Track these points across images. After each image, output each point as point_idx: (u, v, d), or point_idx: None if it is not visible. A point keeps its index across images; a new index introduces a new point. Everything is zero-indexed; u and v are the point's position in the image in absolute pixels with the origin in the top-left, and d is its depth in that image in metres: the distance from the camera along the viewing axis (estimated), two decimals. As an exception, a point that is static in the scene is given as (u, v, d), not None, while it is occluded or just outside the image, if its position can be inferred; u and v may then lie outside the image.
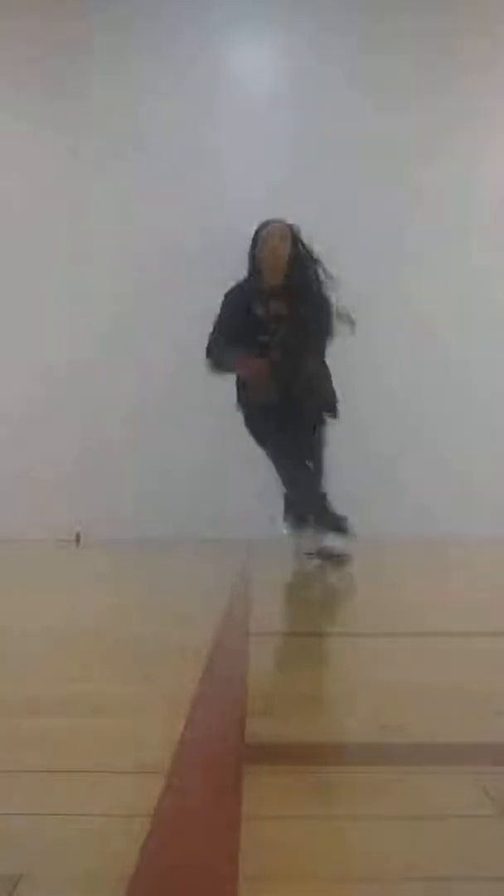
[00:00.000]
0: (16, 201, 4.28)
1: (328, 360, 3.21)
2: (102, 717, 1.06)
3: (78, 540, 4.01)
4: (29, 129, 4.34)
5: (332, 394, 3.22)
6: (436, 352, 4.23)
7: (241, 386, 3.20)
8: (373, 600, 2.21)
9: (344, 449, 3.28)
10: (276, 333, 3.14)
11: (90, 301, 4.22)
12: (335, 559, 2.83)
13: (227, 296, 3.26)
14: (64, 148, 4.30)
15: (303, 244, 3.24)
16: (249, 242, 3.21)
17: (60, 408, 4.17)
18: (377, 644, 1.61)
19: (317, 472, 3.14)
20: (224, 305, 3.25)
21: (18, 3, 4.29)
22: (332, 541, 2.90)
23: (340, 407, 3.18)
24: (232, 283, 3.25)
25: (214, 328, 3.23)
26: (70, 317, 4.21)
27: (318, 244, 3.15)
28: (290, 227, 3.24)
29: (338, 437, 3.21)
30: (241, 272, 3.18)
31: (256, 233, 3.25)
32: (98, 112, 4.30)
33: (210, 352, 3.21)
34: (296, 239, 3.23)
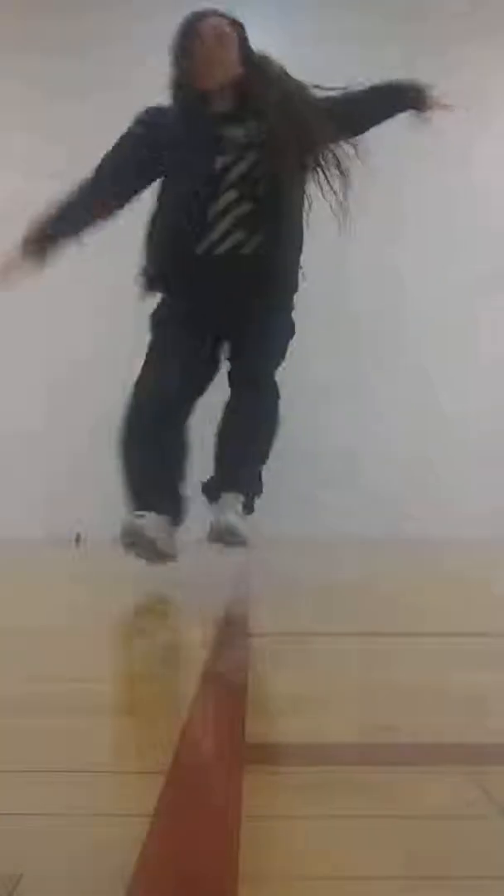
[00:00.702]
0: (15, 203, 4.27)
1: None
2: (102, 717, 1.06)
3: (78, 540, 4.01)
4: (27, 128, 4.34)
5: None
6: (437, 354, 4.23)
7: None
8: (372, 600, 2.21)
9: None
10: (237, 164, 2.22)
11: (90, 300, 4.22)
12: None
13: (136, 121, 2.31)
14: (62, 146, 4.29)
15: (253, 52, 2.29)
16: None
17: (61, 407, 4.17)
18: (377, 644, 1.61)
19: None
20: (127, 133, 2.32)
21: (16, 4, 4.29)
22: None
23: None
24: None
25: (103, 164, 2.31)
26: (70, 316, 4.21)
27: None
28: (235, 20, 2.29)
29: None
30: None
31: (183, 30, 2.27)
32: (97, 109, 4.29)
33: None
34: (245, 40, 2.30)
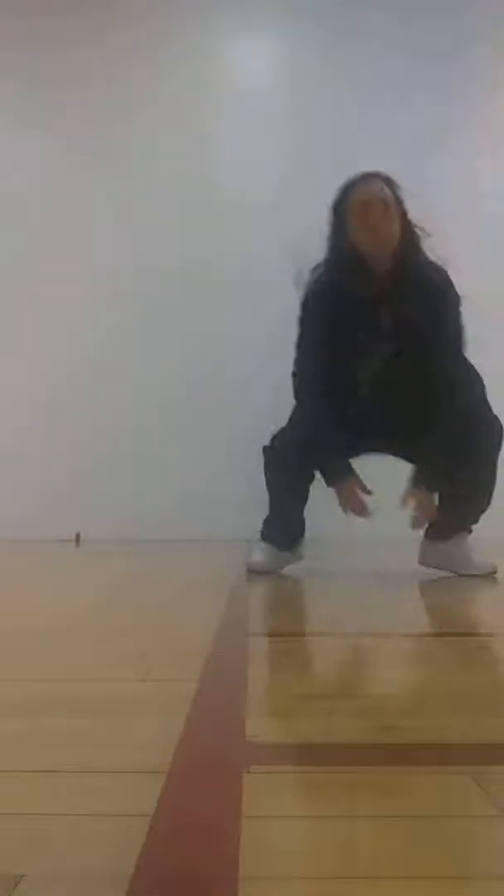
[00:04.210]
0: (13, 205, 4.27)
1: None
2: (102, 716, 1.05)
3: (78, 540, 4.01)
4: (27, 131, 4.34)
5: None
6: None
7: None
8: (372, 601, 2.21)
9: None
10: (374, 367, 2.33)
11: (92, 304, 4.21)
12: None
13: (312, 299, 2.35)
14: (62, 150, 4.29)
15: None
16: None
17: (61, 408, 4.17)
18: (377, 644, 1.61)
19: None
20: (308, 317, 2.37)
21: (16, 4, 4.29)
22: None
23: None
24: (313, 276, 2.33)
25: (301, 352, 2.38)
26: (71, 319, 4.21)
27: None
28: (390, 183, 2.27)
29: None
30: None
31: (343, 199, 2.28)
32: (97, 113, 4.29)
33: (299, 395, 2.41)
34: (401, 206, 2.27)
